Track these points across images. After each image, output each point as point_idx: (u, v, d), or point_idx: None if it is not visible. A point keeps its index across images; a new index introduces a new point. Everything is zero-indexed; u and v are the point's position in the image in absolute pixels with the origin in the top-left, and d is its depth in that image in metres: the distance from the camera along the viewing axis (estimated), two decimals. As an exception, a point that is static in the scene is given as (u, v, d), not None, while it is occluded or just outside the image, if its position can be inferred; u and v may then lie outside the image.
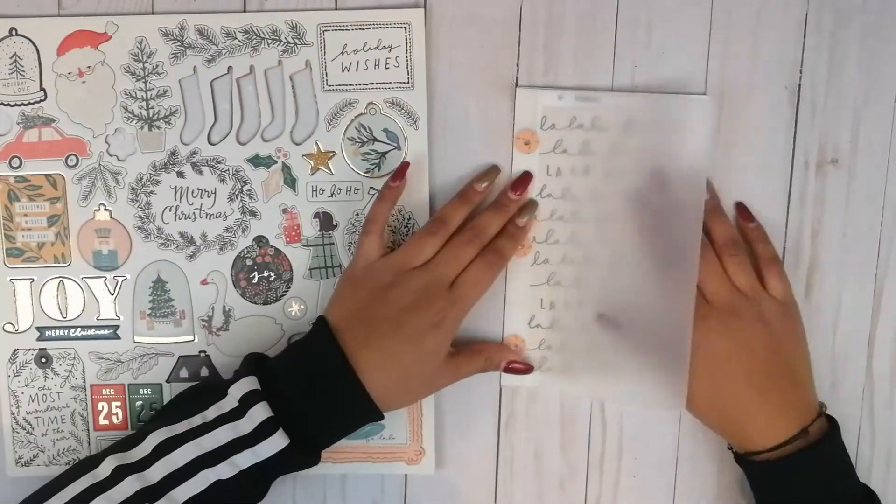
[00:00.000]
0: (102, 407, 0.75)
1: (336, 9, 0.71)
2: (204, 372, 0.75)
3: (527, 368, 0.74)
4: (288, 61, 0.72)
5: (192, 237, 0.73)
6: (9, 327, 0.74)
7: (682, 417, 0.75)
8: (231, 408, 0.65)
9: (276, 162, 0.73)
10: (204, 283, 0.74)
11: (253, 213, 0.73)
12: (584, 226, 0.72)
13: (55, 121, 0.72)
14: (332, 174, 0.73)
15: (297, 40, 0.72)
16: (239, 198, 0.73)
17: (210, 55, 0.72)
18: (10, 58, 0.72)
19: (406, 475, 0.76)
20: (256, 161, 0.73)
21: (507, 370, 0.73)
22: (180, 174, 0.73)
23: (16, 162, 0.73)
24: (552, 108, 0.72)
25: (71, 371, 0.75)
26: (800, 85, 0.72)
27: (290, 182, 0.73)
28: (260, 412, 0.64)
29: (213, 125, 0.73)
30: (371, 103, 0.72)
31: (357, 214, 0.73)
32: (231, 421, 0.64)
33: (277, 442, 0.64)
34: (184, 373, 0.75)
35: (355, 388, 0.65)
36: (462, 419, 0.75)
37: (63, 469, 0.66)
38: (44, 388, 0.75)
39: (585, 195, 0.72)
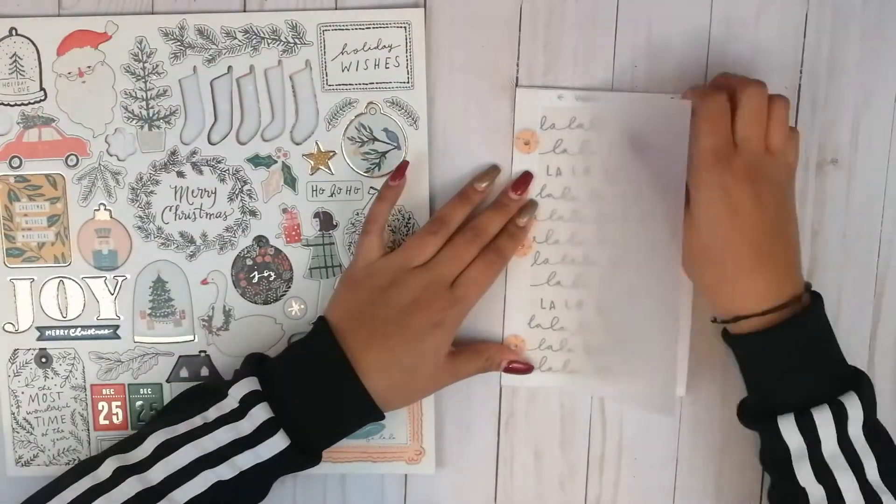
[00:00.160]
0: (102, 407, 0.75)
1: (336, 8, 0.71)
2: (204, 372, 0.75)
3: (527, 368, 0.74)
4: (288, 61, 0.72)
5: (192, 237, 0.73)
6: (9, 327, 0.74)
7: (682, 417, 0.75)
8: (231, 408, 0.65)
9: (276, 162, 0.73)
10: (204, 282, 0.74)
11: (253, 213, 0.73)
12: (585, 226, 0.72)
13: (55, 121, 0.72)
14: (332, 174, 0.73)
15: (297, 40, 0.72)
16: (239, 198, 0.73)
17: (210, 55, 0.72)
18: (10, 58, 0.72)
19: (406, 475, 0.76)
20: (256, 161, 0.73)
21: (508, 370, 0.73)
22: (180, 174, 0.73)
23: (16, 162, 0.73)
24: (552, 107, 0.72)
25: (71, 371, 0.75)
26: (800, 85, 0.72)
27: (290, 182, 0.73)
28: (260, 413, 0.64)
29: (213, 125, 0.73)
30: (371, 103, 0.72)
31: (357, 214, 0.73)
32: (231, 422, 0.64)
33: (278, 442, 0.64)
34: (184, 373, 0.75)
35: (356, 388, 0.65)
36: (462, 419, 0.75)
37: (63, 469, 0.67)
38: (44, 388, 0.75)
39: (585, 195, 0.72)
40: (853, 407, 0.63)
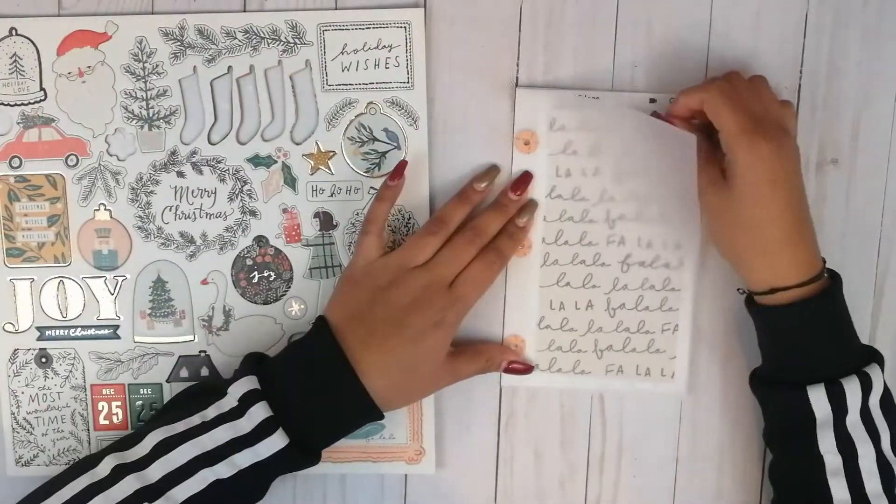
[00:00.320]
0: (102, 407, 0.75)
1: (336, 8, 0.71)
2: (204, 372, 0.75)
3: (526, 368, 0.74)
4: (288, 61, 0.72)
5: (192, 237, 0.73)
6: (9, 327, 0.74)
7: (682, 417, 0.75)
8: (230, 407, 0.65)
9: (276, 162, 0.73)
10: (204, 282, 0.74)
11: (253, 213, 0.73)
12: (594, 226, 0.73)
13: (55, 121, 0.72)
14: (332, 174, 0.73)
15: (296, 40, 0.72)
16: (239, 197, 0.73)
17: (210, 55, 0.72)
18: (10, 58, 0.72)
19: (406, 475, 0.76)
20: (256, 161, 0.73)
21: (508, 371, 0.73)
22: (180, 174, 0.73)
23: (16, 162, 0.73)
24: (561, 109, 0.72)
25: (71, 371, 0.75)
26: (800, 85, 0.72)
27: (290, 182, 0.73)
28: (259, 412, 0.64)
29: (213, 125, 0.73)
30: (371, 103, 0.72)
31: (357, 214, 0.73)
32: (230, 420, 0.64)
33: (277, 441, 0.64)
34: (184, 373, 0.75)
35: (355, 387, 0.65)
36: (462, 419, 0.75)
37: (63, 469, 0.66)
38: (44, 388, 0.75)
39: (595, 196, 0.72)
40: (877, 379, 0.65)
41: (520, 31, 0.72)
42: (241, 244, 0.74)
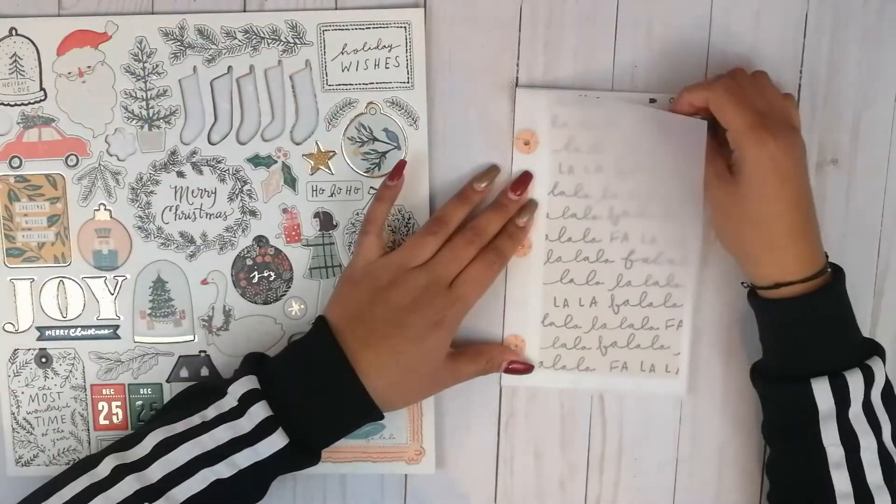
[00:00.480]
0: (102, 407, 0.75)
1: (336, 8, 0.71)
2: (204, 372, 0.75)
3: (526, 368, 0.74)
4: (288, 61, 0.72)
5: (192, 237, 0.73)
6: (9, 327, 0.74)
7: (682, 417, 0.75)
8: (230, 407, 0.65)
9: (276, 162, 0.73)
10: (204, 282, 0.74)
11: (253, 213, 0.73)
12: (597, 223, 0.73)
13: (55, 121, 0.72)
14: (332, 174, 0.73)
15: (296, 40, 0.72)
16: (239, 197, 0.73)
17: (210, 55, 0.72)
18: (10, 58, 0.72)
19: (406, 475, 0.76)
20: (256, 161, 0.73)
21: (508, 371, 0.73)
22: (180, 174, 0.73)
23: (16, 162, 0.73)
24: (563, 106, 0.72)
25: (71, 371, 0.75)
26: (800, 85, 0.72)
27: (290, 182, 0.73)
28: (259, 411, 0.64)
29: (213, 125, 0.73)
30: (371, 103, 0.72)
31: (357, 214, 0.73)
32: (230, 420, 0.64)
33: (277, 441, 0.64)
34: (184, 373, 0.75)
35: (355, 387, 0.65)
36: (462, 419, 0.75)
37: (63, 469, 0.66)
38: (44, 388, 0.75)
39: (598, 192, 0.72)
40: (879, 372, 0.66)
41: (520, 31, 0.72)
42: (241, 244, 0.74)
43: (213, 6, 0.72)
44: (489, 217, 0.70)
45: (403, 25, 0.71)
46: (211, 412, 0.65)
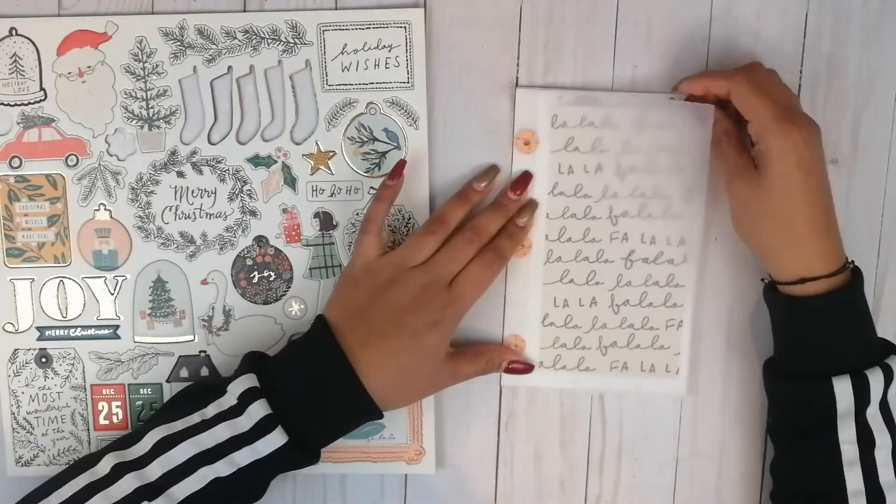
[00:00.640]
0: (102, 407, 0.75)
1: (336, 8, 0.71)
2: (204, 372, 0.75)
3: (526, 368, 0.74)
4: (288, 61, 0.72)
5: (192, 237, 0.73)
6: (9, 327, 0.74)
7: (682, 417, 0.75)
8: (230, 405, 0.65)
9: (276, 162, 0.73)
10: (204, 282, 0.74)
11: (253, 213, 0.73)
12: (597, 223, 0.73)
13: (55, 121, 0.72)
14: (332, 174, 0.73)
15: (297, 40, 0.72)
16: (239, 197, 0.73)
17: (210, 55, 0.72)
18: (10, 58, 0.72)
19: (406, 475, 0.76)
20: (256, 161, 0.73)
21: (508, 371, 0.73)
22: (180, 174, 0.73)
23: (16, 162, 0.73)
24: (563, 106, 0.72)
25: (71, 371, 0.75)
26: (800, 85, 0.72)
27: (290, 182, 0.73)
28: (258, 409, 0.64)
29: (213, 125, 0.73)
30: (371, 103, 0.72)
31: (357, 214, 0.73)
32: (230, 418, 0.64)
33: (276, 439, 0.64)
34: (184, 373, 0.75)
35: (355, 386, 0.65)
36: (462, 419, 0.75)
37: (63, 468, 0.66)
38: (44, 388, 0.75)
39: (598, 192, 0.72)
40: None
41: (520, 31, 0.72)
42: (241, 244, 0.74)
43: (213, 6, 0.72)
44: (489, 217, 0.70)
45: (403, 25, 0.71)
46: (210, 411, 0.65)
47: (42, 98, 0.72)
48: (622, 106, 0.71)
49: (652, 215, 0.72)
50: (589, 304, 0.73)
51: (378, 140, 0.72)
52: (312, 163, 0.73)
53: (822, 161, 0.65)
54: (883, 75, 0.72)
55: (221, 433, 0.64)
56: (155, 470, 0.63)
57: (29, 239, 0.74)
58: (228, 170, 0.73)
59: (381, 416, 0.67)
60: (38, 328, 0.74)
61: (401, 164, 0.70)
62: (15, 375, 0.75)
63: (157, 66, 0.72)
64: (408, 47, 0.71)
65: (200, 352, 0.75)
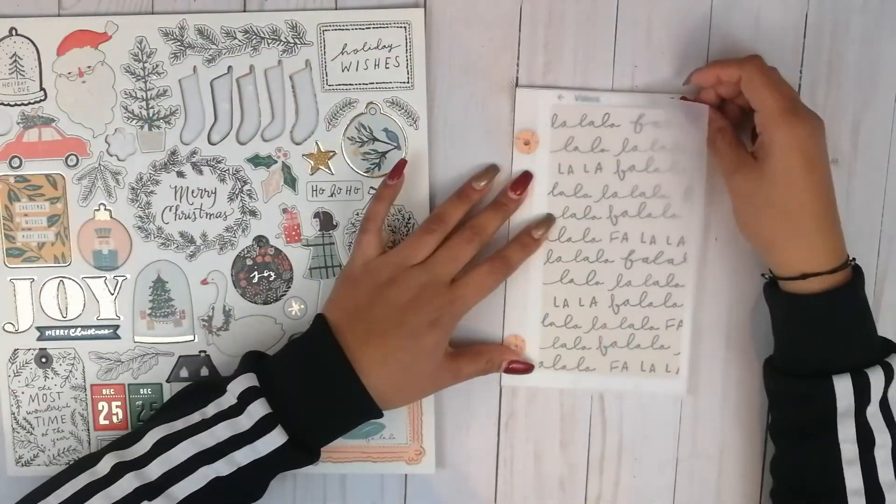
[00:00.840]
0: (102, 407, 0.75)
1: (336, 8, 0.71)
2: (204, 372, 0.75)
3: (526, 368, 0.74)
4: (288, 61, 0.72)
5: (192, 237, 0.73)
6: (9, 327, 0.74)
7: (682, 417, 0.75)
8: (230, 405, 0.65)
9: (276, 162, 0.73)
10: (204, 282, 0.74)
11: (253, 213, 0.73)
12: (597, 223, 0.73)
13: (55, 121, 0.72)
14: (332, 174, 0.73)
15: (297, 40, 0.72)
16: (239, 197, 0.73)
17: (210, 55, 0.72)
18: (10, 58, 0.72)
19: (406, 475, 0.76)
20: (256, 161, 0.73)
21: (508, 371, 0.73)
22: (180, 174, 0.73)
23: (16, 162, 0.73)
24: (563, 105, 0.72)
25: (71, 371, 0.75)
26: (800, 84, 0.72)
27: (290, 182, 0.73)
28: (258, 409, 0.64)
29: (213, 125, 0.73)
30: (371, 103, 0.72)
31: (357, 214, 0.73)
32: (230, 418, 0.64)
33: (276, 438, 0.64)
34: (184, 373, 0.75)
35: (354, 385, 0.65)
36: (462, 419, 0.75)
37: (63, 468, 0.66)
38: (44, 388, 0.75)
39: (597, 192, 0.72)
40: None
41: (520, 31, 0.72)
42: (241, 244, 0.74)
43: (213, 6, 0.72)
44: (488, 216, 0.70)
45: (403, 25, 0.71)
46: (210, 410, 0.65)
47: (42, 98, 0.72)
48: (622, 106, 0.71)
49: (652, 215, 0.72)
50: (589, 304, 0.73)
51: (378, 140, 0.72)
52: (312, 163, 0.73)
53: (826, 156, 0.65)
54: (883, 75, 0.72)
55: (221, 432, 0.64)
56: (155, 469, 0.63)
57: (29, 239, 0.74)
58: (228, 170, 0.73)
59: (381, 416, 0.67)
60: (38, 328, 0.74)
61: (401, 164, 0.70)
62: (15, 375, 0.75)
63: (157, 66, 0.72)
64: (408, 47, 0.71)
65: (200, 352, 0.75)
